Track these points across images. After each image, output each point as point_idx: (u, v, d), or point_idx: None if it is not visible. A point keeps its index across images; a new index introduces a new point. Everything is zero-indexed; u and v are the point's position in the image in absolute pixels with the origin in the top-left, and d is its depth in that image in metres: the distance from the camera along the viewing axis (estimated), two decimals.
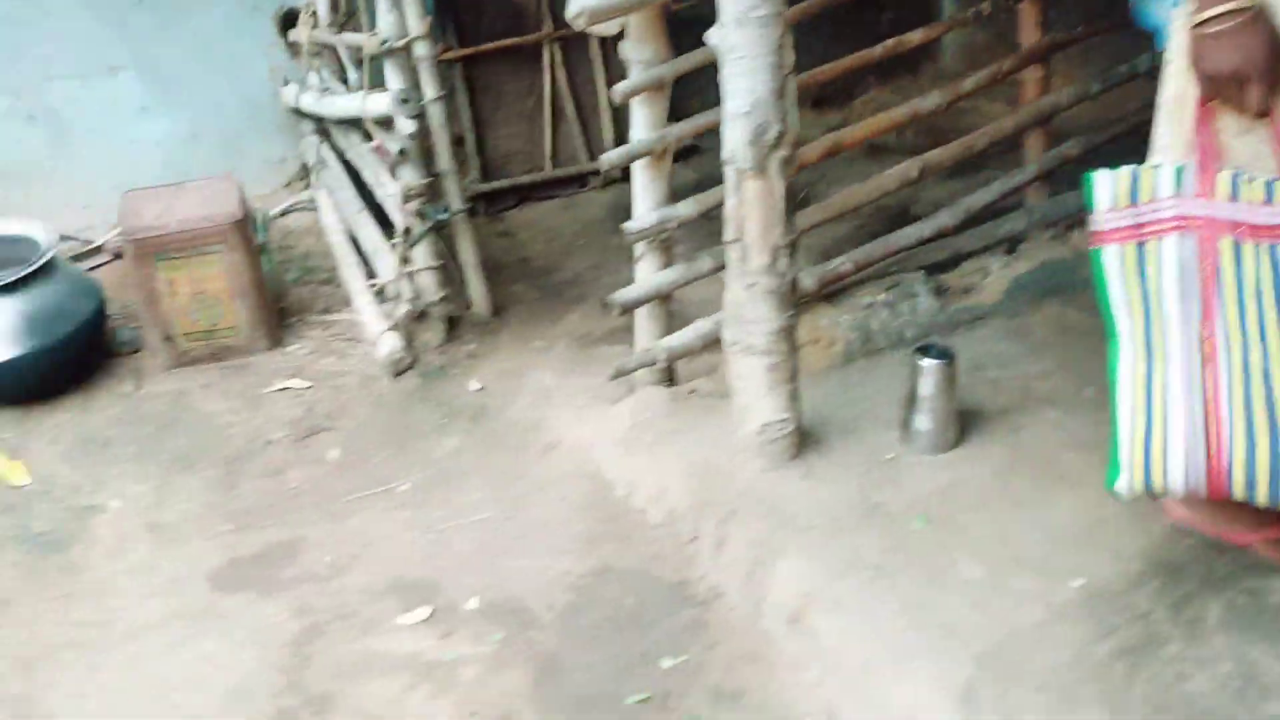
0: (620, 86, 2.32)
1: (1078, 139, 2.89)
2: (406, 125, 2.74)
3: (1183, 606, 1.83)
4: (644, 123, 2.36)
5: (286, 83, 3.72)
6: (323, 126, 3.50)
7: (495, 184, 3.94)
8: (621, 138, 4.07)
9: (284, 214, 3.70)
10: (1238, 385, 1.62)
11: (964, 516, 2.09)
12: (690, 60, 2.32)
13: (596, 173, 4.03)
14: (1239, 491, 1.64)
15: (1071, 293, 2.78)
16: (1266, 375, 1.60)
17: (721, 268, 2.41)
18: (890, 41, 2.64)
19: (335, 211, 3.40)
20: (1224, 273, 1.60)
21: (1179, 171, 1.62)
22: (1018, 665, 1.76)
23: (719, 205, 2.41)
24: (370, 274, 3.20)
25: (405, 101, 2.72)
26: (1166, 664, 1.73)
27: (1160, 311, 1.65)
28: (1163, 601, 1.84)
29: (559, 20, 3.97)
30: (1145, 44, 3.02)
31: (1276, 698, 1.65)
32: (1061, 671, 1.74)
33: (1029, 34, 2.78)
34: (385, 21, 2.78)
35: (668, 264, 2.47)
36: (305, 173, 3.77)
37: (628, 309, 2.47)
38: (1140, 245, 1.64)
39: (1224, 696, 1.66)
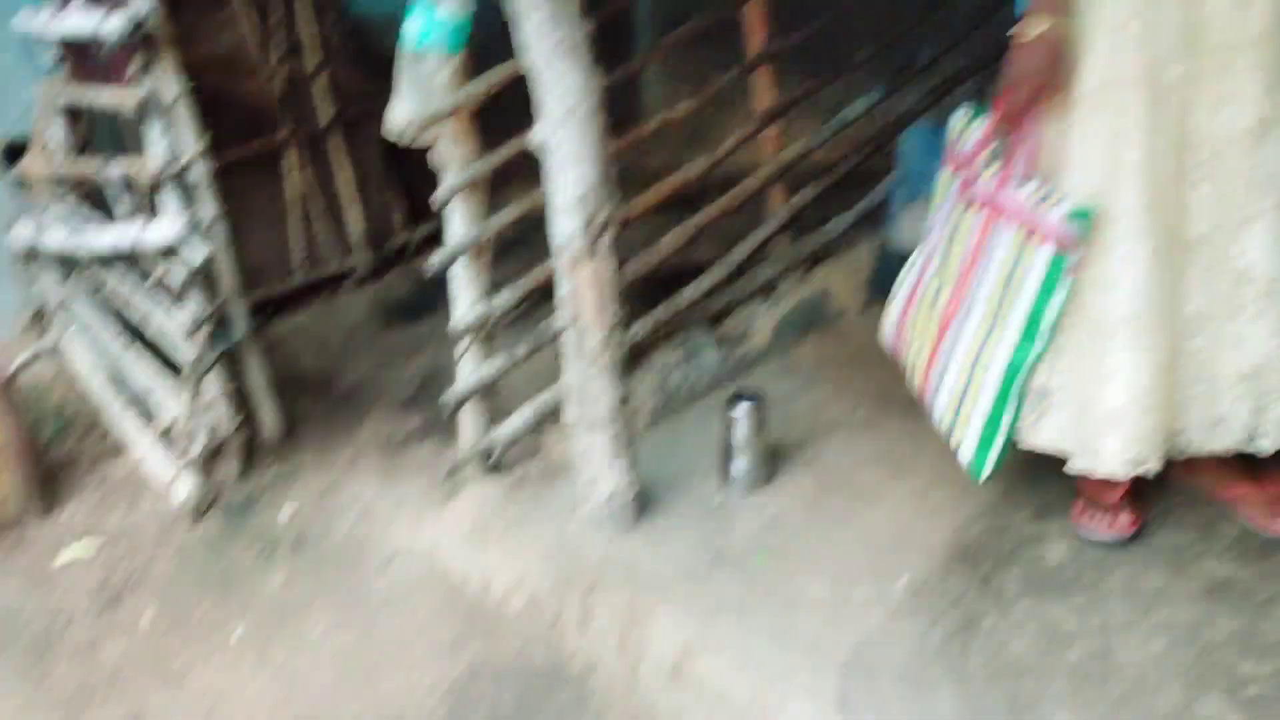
0: (440, 192, 2.41)
1: (813, 185, 3.26)
2: (197, 252, 2.69)
3: (987, 583, 2.15)
4: (462, 220, 2.46)
5: (15, 223, 3.47)
6: (68, 266, 3.30)
7: (251, 297, 3.86)
8: (375, 231, 4.14)
9: (26, 365, 3.47)
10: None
11: (796, 544, 2.34)
12: (503, 154, 2.45)
13: (353, 270, 4.05)
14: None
15: (823, 326, 3.14)
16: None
17: (538, 350, 2.56)
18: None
19: (93, 355, 3.24)
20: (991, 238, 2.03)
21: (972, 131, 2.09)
22: (875, 664, 2.01)
23: (535, 290, 2.57)
24: (148, 415, 3.08)
25: (195, 227, 2.68)
26: (988, 635, 2.03)
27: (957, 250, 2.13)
28: (972, 582, 2.16)
29: (300, 118, 3.98)
30: (859, 89, 3.45)
31: (1075, 645, 1.98)
32: (911, 661, 2.00)
33: (763, 96, 3.12)
34: (159, 144, 2.72)
35: (490, 355, 2.58)
36: (42, 319, 3.54)
37: (458, 406, 2.56)
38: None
39: (1037, 653, 1.98)
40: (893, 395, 2.78)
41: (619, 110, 5.01)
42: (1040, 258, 1.91)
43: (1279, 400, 1.98)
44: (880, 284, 3.11)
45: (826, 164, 3.53)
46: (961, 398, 2.10)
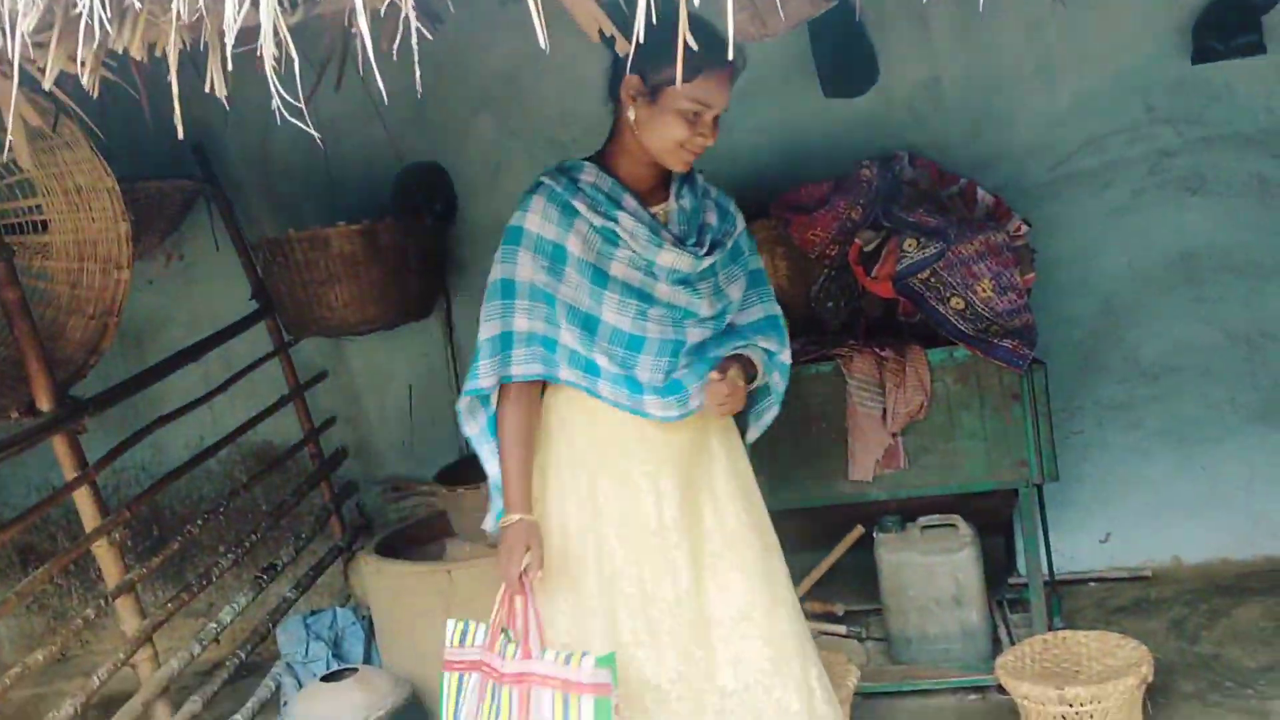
0: None
1: (201, 692, 3.29)
2: None
3: None
4: None
5: None
6: None
7: None
8: None
9: None
10: None
11: None
12: None
13: None
14: None
15: None
16: None
17: None
18: None
19: None
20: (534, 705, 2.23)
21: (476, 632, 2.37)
22: None
23: None
24: None
25: None
26: None
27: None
28: None
29: None
30: (230, 591, 3.61)
31: None
32: None
33: (130, 621, 3.14)
34: None
35: None
36: None
37: None
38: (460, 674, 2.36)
39: None
40: None
41: None
42: (586, 707, 2.15)
43: None
44: None
45: (212, 665, 3.60)
46: None
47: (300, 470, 4.45)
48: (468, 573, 3.38)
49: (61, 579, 4.80)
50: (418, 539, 3.92)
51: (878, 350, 3.13)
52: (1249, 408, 3.79)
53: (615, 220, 2.23)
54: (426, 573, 3.44)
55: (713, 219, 2.37)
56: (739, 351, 2.39)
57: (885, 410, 3.10)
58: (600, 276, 2.25)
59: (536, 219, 2.27)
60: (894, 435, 3.12)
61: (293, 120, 1.58)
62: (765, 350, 2.42)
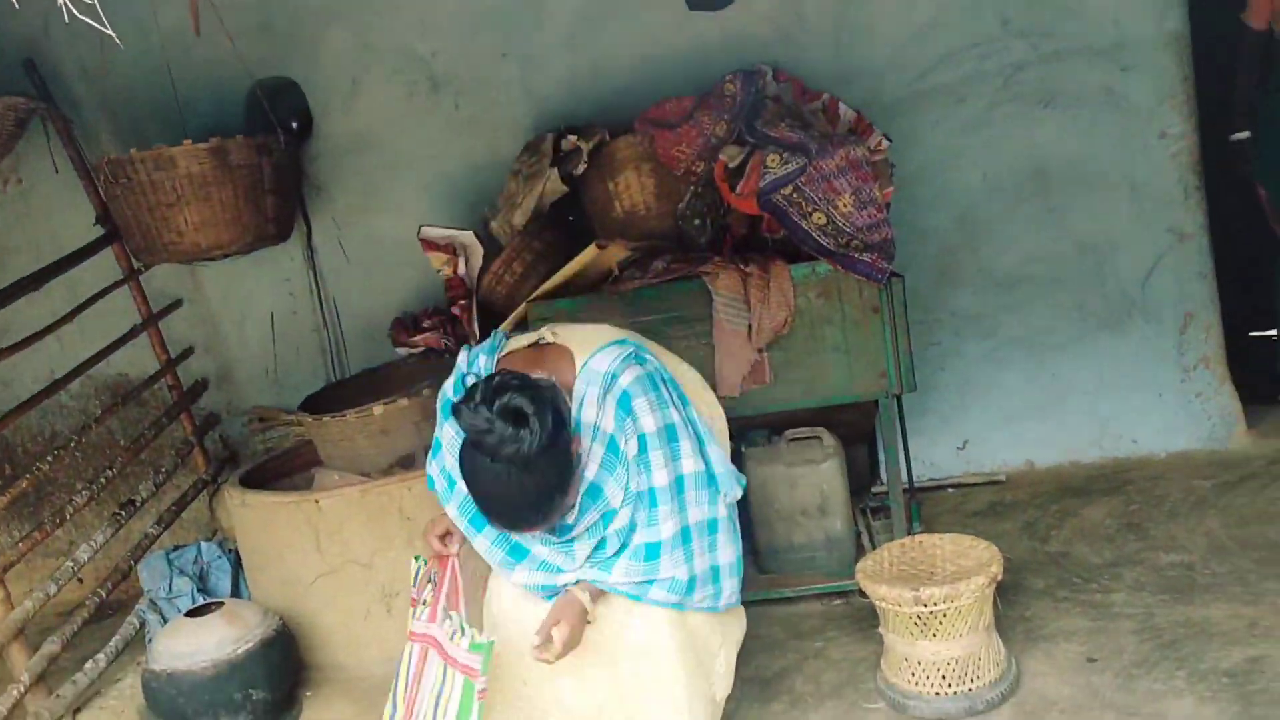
0: None
1: (61, 632, 3.20)
2: None
3: None
4: None
5: None
6: None
7: None
8: None
9: None
10: None
11: None
12: None
13: None
14: None
15: None
16: None
17: None
18: None
19: None
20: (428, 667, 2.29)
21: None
22: None
23: None
24: None
25: None
26: None
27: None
28: None
29: None
30: (89, 528, 3.49)
31: None
32: None
33: None
34: None
35: None
36: None
37: None
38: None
39: None
40: None
41: None
42: (457, 684, 2.19)
43: None
44: (154, 711, 3.10)
45: (72, 606, 3.50)
46: None
47: (159, 403, 4.31)
48: (336, 501, 3.35)
49: None
50: (285, 470, 3.86)
51: (742, 266, 3.15)
52: (1097, 315, 3.94)
53: None
54: (294, 502, 3.38)
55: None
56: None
57: (751, 326, 3.13)
58: None
59: None
60: (759, 351, 3.15)
61: (129, 34, 1.47)
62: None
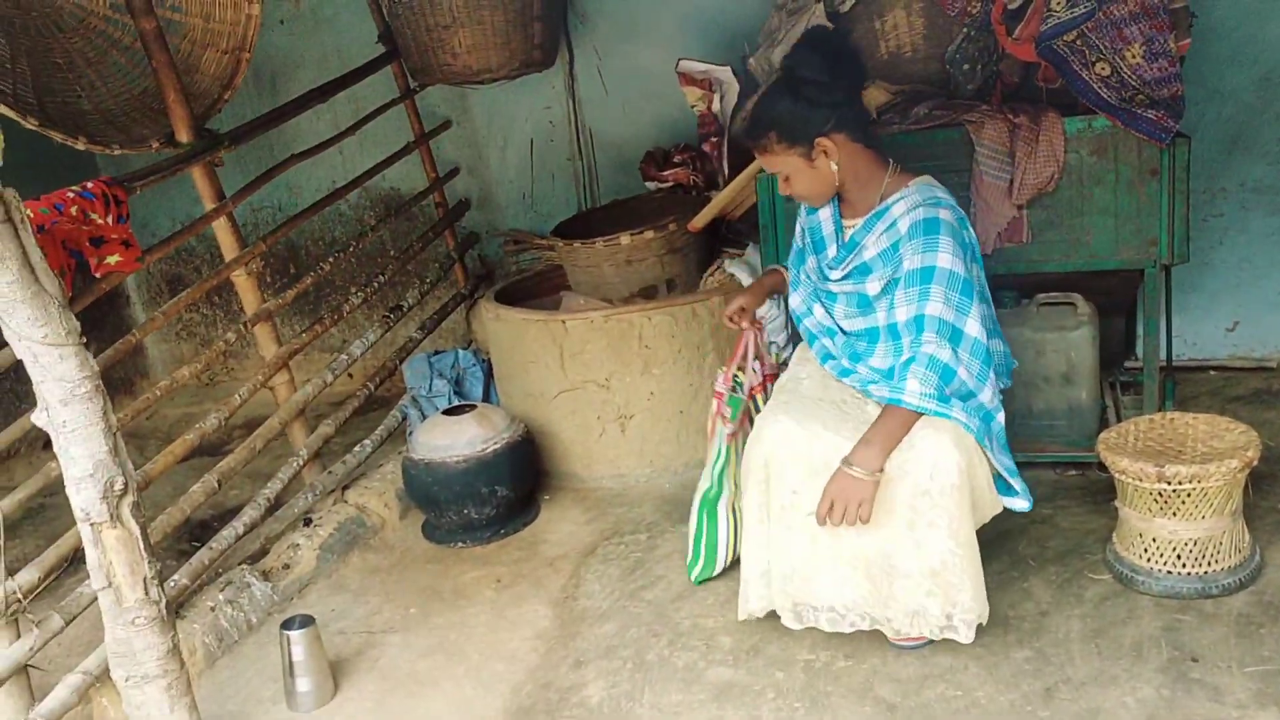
0: None
1: (334, 416, 3.55)
2: None
3: None
4: None
5: None
6: None
7: None
8: None
9: None
10: None
11: None
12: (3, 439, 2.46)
13: None
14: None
15: (365, 541, 3.38)
16: None
17: (74, 619, 2.54)
18: None
19: None
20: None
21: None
22: None
23: (59, 564, 2.56)
24: None
25: None
26: None
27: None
28: None
29: None
30: (359, 329, 3.83)
31: None
32: None
33: (267, 347, 3.36)
34: None
35: (21, 634, 2.51)
36: None
37: None
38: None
39: None
40: (439, 591, 3.08)
41: (124, 372, 5.04)
42: (720, 429, 2.82)
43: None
44: (411, 495, 3.42)
45: (343, 396, 3.85)
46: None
47: (426, 218, 4.57)
48: (581, 324, 3.50)
49: (206, 308, 5.12)
50: (535, 291, 4.05)
51: (1011, 116, 3.00)
52: None
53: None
54: (543, 321, 3.56)
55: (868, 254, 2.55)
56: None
57: (1013, 181, 3.00)
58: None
59: None
60: (1019, 208, 3.02)
61: None
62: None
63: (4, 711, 2.54)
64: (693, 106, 3.77)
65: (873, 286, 2.54)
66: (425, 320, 4.29)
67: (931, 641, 2.49)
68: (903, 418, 2.39)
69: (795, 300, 2.77)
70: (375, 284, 3.93)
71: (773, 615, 2.60)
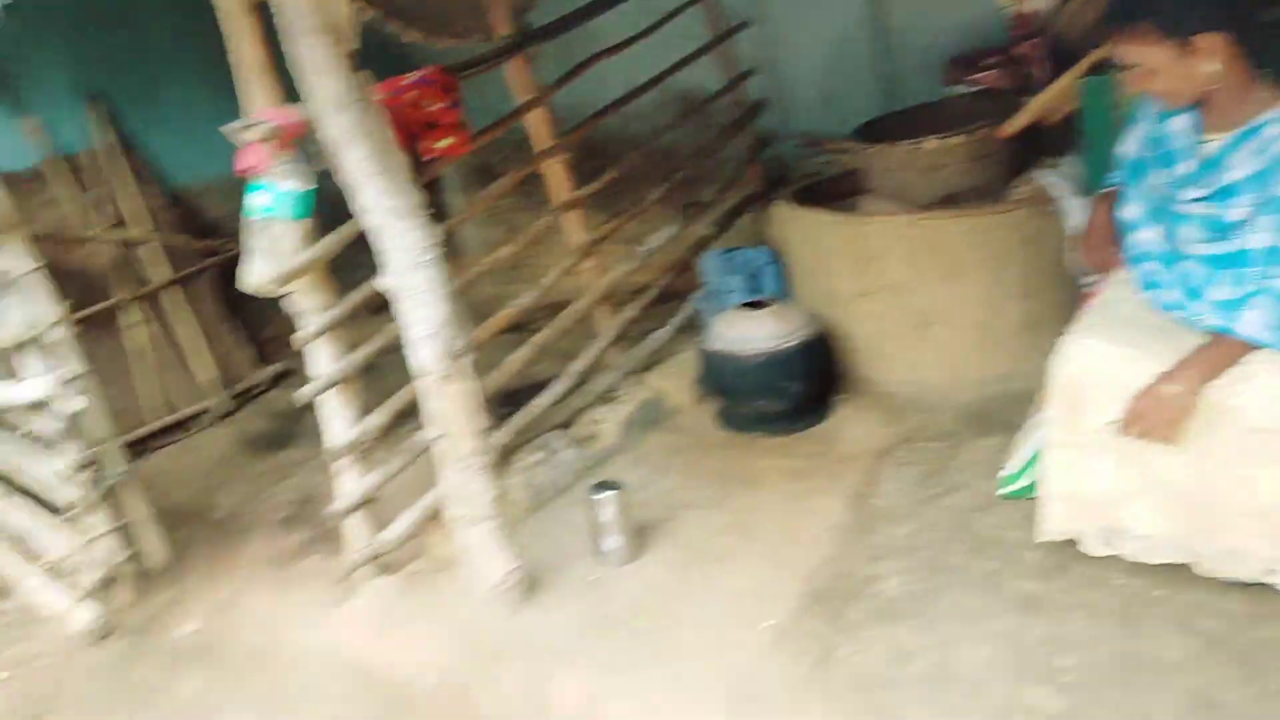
0: (299, 336, 2.68)
1: (634, 303, 3.73)
2: (71, 403, 2.84)
3: (839, 617, 2.51)
4: (327, 356, 2.74)
5: None
6: None
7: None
8: (224, 373, 4.32)
9: None
10: None
11: (669, 605, 2.66)
12: (355, 299, 2.74)
13: (206, 411, 4.20)
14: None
15: (663, 422, 3.55)
16: None
17: (412, 461, 2.83)
18: None
19: None
20: None
21: None
22: (754, 694, 2.33)
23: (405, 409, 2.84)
24: (30, 555, 3.17)
25: (65, 382, 2.83)
26: (845, 660, 2.38)
27: None
28: (825, 618, 2.52)
29: (134, 281, 4.16)
30: (656, 223, 3.95)
31: (918, 659, 2.34)
32: (783, 689, 2.33)
33: (574, 234, 3.56)
34: (18, 313, 2.88)
35: (368, 470, 2.83)
36: None
37: (343, 518, 2.79)
38: None
39: (888, 668, 2.34)
40: (734, 475, 3.22)
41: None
42: None
43: None
44: (706, 383, 3.56)
45: (642, 285, 4.02)
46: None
47: (723, 118, 4.64)
48: (882, 228, 3.49)
49: (516, 197, 5.40)
50: (829, 194, 4.05)
51: None
52: None
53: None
54: (842, 223, 3.57)
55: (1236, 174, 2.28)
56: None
57: None
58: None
59: None
60: None
61: None
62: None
63: (353, 536, 2.88)
64: (1004, 8, 3.64)
65: (1236, 212, 2.29)
66: (719, 218, 4.38)
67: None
68: (1234, 348, 2.23)
69: (1130, 211, 2.55)
70: (673, 180, 4.05)
71: (1072, 541, 2.54)
